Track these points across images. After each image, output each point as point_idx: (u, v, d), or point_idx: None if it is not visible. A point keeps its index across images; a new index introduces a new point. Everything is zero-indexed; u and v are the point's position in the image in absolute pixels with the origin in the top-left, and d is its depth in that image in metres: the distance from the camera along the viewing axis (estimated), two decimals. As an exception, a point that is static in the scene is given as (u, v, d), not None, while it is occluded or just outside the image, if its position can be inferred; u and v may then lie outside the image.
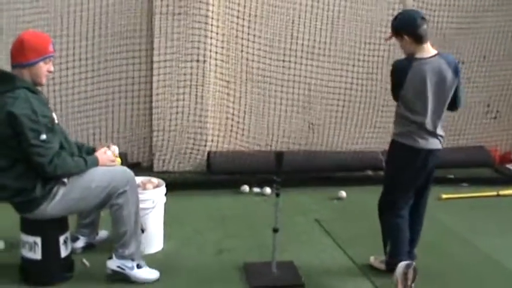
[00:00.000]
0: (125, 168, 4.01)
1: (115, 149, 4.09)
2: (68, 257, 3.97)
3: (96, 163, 3.83)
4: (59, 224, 3.89)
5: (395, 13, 6.41)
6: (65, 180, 3.71)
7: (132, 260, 3.94)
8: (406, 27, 3.90)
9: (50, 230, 3.84)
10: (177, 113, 6.09)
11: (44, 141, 3.54)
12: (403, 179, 4.09)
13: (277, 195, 4.02)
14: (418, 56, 3.89)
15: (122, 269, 3.93)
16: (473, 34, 7.19)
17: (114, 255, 3.94)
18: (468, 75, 7.09)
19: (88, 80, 6.04)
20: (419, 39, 3.88)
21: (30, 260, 3.84)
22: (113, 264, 3.94)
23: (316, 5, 6.48)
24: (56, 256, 3.87)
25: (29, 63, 3.62)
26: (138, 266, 3.96)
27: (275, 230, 4.04)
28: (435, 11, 6.72)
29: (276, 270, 4.13)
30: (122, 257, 3.92)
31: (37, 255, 3.81)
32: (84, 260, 4.17)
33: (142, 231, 4.26)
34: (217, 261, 4.42)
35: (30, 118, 3.51)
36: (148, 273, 4.01)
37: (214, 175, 6.24)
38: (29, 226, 3.82)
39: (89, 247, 4.42)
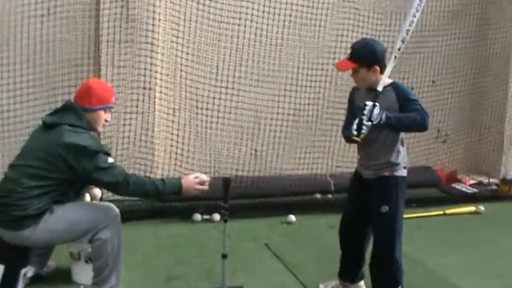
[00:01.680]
0: (110, 204, 3.99)
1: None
2: (23, 291, 3.91)
3: (178, 188, 3.87)
4: (25, 255, 3.84)
5: (340, 39, 6.75)
6: (54, 207, 3.71)
7: None
8: (383, 57, 3.75)
9: (14, 260, 3.79)
10: (123, 138, 6.07)
11: (112, 163, 3.75)
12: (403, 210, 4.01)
13: (225, 221, 4.01)
14: (383, 84, 3.74)
15: None
16: (420, 59, 7.39)
17: None
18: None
19: (36, 107, 5.97)
20: (384, 69, 3.76)
21: None
22: None
23: (259, 33, 6.57)
24: (13, 288, 3.80)
25: (91, 108, 3.81)
26: None
27: (224, 256, 4.03)
28: (379, 37, 6.84)
29: (226, 296, 4.13)
30: None
31: None
32: (33, 293, 4.10)
33: (91, 260, 4.24)
34: (167, 289, 4.39)
35: (96, 147, 3.72)
36: None
37: (164, 202, 6.19)
38: None
39: (37, 278, 4.32)
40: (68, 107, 3.85)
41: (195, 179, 3.93)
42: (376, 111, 3.57)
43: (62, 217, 3.74)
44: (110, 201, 5.74)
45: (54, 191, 3.72)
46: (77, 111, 3.80)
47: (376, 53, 3.73)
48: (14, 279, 3.78)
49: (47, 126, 3.79)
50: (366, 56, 3.75)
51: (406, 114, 3.66)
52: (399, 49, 3.69)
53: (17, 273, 3.78)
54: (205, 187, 3.97)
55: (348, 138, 3.78)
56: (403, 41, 3.67)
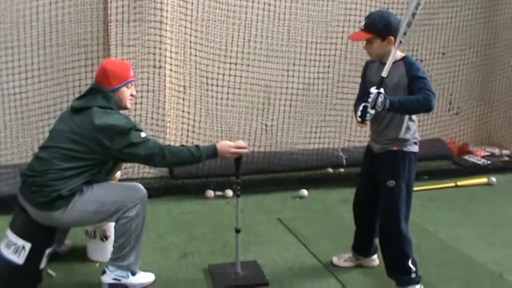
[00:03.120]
0: (137, 184, 4.02)
1: None
2: (43, 269, 3.94)
3: (213, 152, 3.90)
4: (50, 235, 3.88)
5: (348, 12, 6.72)
6: (84, 188, 3.76)
7: (129, 270, 3.92)
8: (397, 29, 3.69)
9: (42, 239, 3.81)
10: (135, 117, 6.10)
11: (145, 137, 3.79)
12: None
13: (238, 196, 4.05)
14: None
15: (117, 280, 3.91)
16: (429, 31, 7.36)
17: (107, 269, 3.92)
18: (428, 72, 7.19)
19: (47, 89, 6.01)
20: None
21: (10, 261, 3.75)
22: (108, 278, 3.91)
23: (267, 8, 6.57)
24: (36, 266, 3.82)
25: (113, 88, 3.86)
26: (133, 273, 3.94)
27: (237, 231, 4.07)
28: (388, 9, 6.80)
29: (240, 270, 4.16)
30: (119, 267, 3.90)
31: (20, 259, 3.74)
32: (50, 271, 4.12)
33: (106, 238, 4.29)
34: (182, 265, 4.43)
35: (128, 125, 3.75)
36: (144, 278, 4.03)
37: (177, 180, 6.26)
38: (24, 229, 3.78)
39: (53, 255, 4.37)
40: (95, 89, 3.87)
41: (230, 143, 3.95)
42: (381, 99, 3.56)
43: (92, 198, 3.77)
44: (123, 179, 5.85)
45: (87, 171, 3.76)
46: (104, 92, 3.83)
47: (391, 24, 3.71)
48: (39, 258, 3.82)
49: (76, 110, 3.82)
50: (380, 26, 3.73)
51: (410, 97, 3.65)
52: (405, 33, 3.65)
53: (42, 252, 3.83)
54: (244, 151, 3.98)
55: (356, 118, 3.79)
56: (408, 25, 3.64)
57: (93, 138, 3.69)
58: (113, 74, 3.87)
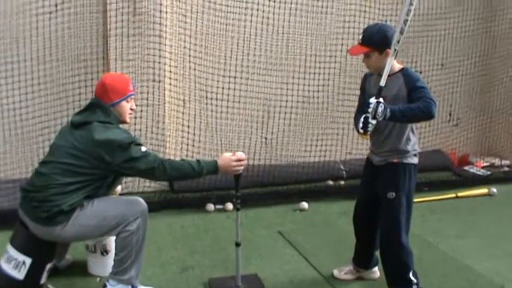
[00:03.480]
0: (138, 198, 4.02)
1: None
2: (43, 284, 3.93)
3: (214, 167, 3.89)
4: (51, 250, 3.88)
5: (347, 25, 6.74)
6: (84, 203, 3.77)
7: (129, 284, 3.92)
8: (392, 41, 3.67)
9: (42, 254, 3.82)
10: (135, 131, 6.09)
11: (145, 151, 3.79)
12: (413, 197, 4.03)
13: (238, 209, 4.05)
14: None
15: None
16: (428, 42, 7.38)
17: (108, 283, 3.92)
18: (428, 84, 7.19)
19: (47, 103, 6.01)
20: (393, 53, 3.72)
21: (10, 277, 3.76)
22: None
23: (266, 21, 6.59)
24: (37, 281, 3.83)
25: (113, 103, 3.87)
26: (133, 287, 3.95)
27: (237, 244, 4.07)
28: (387, 21, 6.82)
29: (240, 284, 4.15)
30: (120, 281, 3.89)
31: (20, 275, 3.75)
32: (50, 286, 4.12)
33: (107, 252, 4.29)
34: (182, 279, 4.42)
35: (128, 139, 3.77)
36: None
37: (177, 194, 6.25)
38: (24, 244, 3.79)
39: (54, 270, 4.36)
40: (94, 104, 3.89)
41: (231, 157, 3.93)
42: (381, 108, 3.57)
43: (92, 213, 3.78)
44: (124, 194, 5.83)
45: (88, 186, 3.77)
46: (103, 107, 3.85)
47: (388, 37, 3.71)
48: (40, 273, 3.82)
49: (76, 125, 3.83)
50: (378, 40, 3.75)
51: (411, 105, 3.65)
52: (398, 41, 3.66)
53: (43, 267, 3.83)
54: (243, 164, 3.97)
55: (358, 130, 3.79)
56: (401, 32, 3.65)
57: (94, 153, 3.70)
58: (112, 88, 3.88)
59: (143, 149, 3.79)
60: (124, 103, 3.93)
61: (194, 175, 3.88)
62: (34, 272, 3.79)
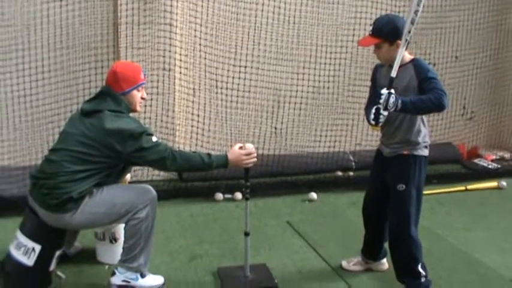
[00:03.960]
0: (147, 186, 4.04)
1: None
2: (52, 271, 3.94)
3: (224, 161, 3.90)
4: (60, 237, 3.89)
5: (358, 16, 6.71)
6: (94, 190, 3.78)
7: (138, 272, 3.94)
8: (402, 32, 3.63)
9: (52, 241, 3.83)
10: (144, 119, 6.10)
11: (156, 141, 3.80)
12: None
13: (247, 199, 4.05)
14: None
15: (127, 282, 3.93)
16: (442, 34, 7.34)
17: (117, 270, 3.93)
18: (441, 76, 7.18)
19: (57, 90, 6.02)
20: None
21: (19, 263, 3.76)
22: (118, 279, 3.93)
23: (277, 11, 6.56)
24: (46, 268, 3.83)
25: (124, 92, 3.87)
26: (142, 275, 3.95)
27: (246, 234, 4.07)
28: (399, 13, 6.78)
29: (249, 273, 4.16)
30: (128, 268, 3.91)
31: (29, 261, 3.75)
32: (59, 273, 4.13)
33: (116, 240, 4.30)
34: (191, 267, 4.43)
35: (139, 129, 3.76)
36: (153, 280, 4.03)
37: (186, 183, 6.26)
38: (34, 231, 3.80)
39: (63, 257, 4.38)
40: (105, 92, 3.88)
41: (241, 151, 3.93)
42: (392, 99, 3.55)
43: (102, 200, 3.79)
44: (133, 182, 5.84)
45: (98, 174, 3.77)
46: (114, 96, 3.85)
47: (399, 28, 3.68)
48: (49, 260, 3.83)
49: (87, 113, 3.83)
50: (388, 31, 3.73)
51: (421, 96, 3.62)
52: (409, 32, 3.63)
53: (52, 254, 3.84)
54: (254, 158, 3.97)
55: (369, 122, 3.77)
56: (412, 23, 3.61)
57: (104, 142, 3.71)
58: (123, 77, 3.88)
59: (154, 139, 3.79)
60: (135, 92, 3.92)
61: (204, 167, 3.88)
62: (43, 259, 3.80)
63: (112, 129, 3.70)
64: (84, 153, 3.73)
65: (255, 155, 3.97)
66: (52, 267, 3.87)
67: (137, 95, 3.94)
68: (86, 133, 3.75)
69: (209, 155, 3.88)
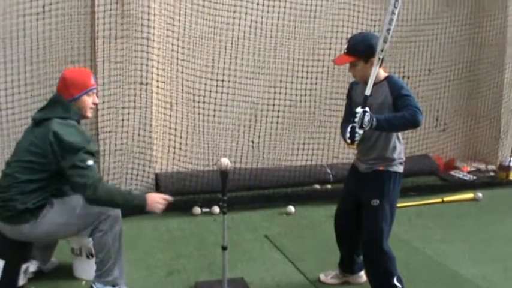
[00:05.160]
0: None
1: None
2: (23, 286, 3.91)
3: (143, 201, 3.83)
4: (25, 251, 3.87)
5: (335, 30, 6.75)
6: (53, 201, 3.76)
7: (115, 285, 3.91)
8: (375, 49, 3.66)
9: (15, 255, 3.81)
10: (122, 133, 6.08)
11: (89, 165, 3.68)
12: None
13: (224, 213, 4.04)
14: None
15: None
16: (416, 48, 7.41)
17: (95, 286, 3.91)
18: (415, 89, 7.26)
19: (34, 105, 5.94)
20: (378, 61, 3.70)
21: None
22: None
23: (254, 25, 6.58)
24: (13, 284, 3.81)
25: (73, 98, 3.82)
26: None
27: (224, 248, 4.06)
28: (375, 26, 6.85)
29: (227, 287, 4.15)
30: (105, 283, 3.89)
31: None
32: (34, 288, 4.12)
33: (92, 255, 4.26)
34: (168, 282, 4.42)
35: (80, 144, 3.68)
36: None
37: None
38: None
39: (39, 273, 4.34)
40: (55, 100, 3.87)
41: (160, 195, 3.96)
42: (367, 117, 3.57)
43: (62, 210, 3.78)
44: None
45: (50, 183, 3.76)
46: (63, 103, 3.82)
47: (373, 46, 3.71)
48: (14, 275, 3.80)
49: (38, 122, 3.82)
50: (362, 49, 3.76)
51: (396, 114, 3.65)
52: (382, 50, 3.66)
53: (18, 268, 3.81)
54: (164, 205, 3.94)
55: (345, 140, 3.79)
56: (385, 41, 3.64)
57: (49, 145, 3.67)
58: (72, 82, 3.85)
59: (89, 162, 3.70)
60: (85, 97, 3.88)
61: (123, 204, 3.82)
62: (9, 274, 3.79)
63: (57, 133, 3.67)
64: (32, 161, 3.72)
65: (168, 201, 3.95)
66: (21, 282, 3.84)
67: (87, 100, 3.90)
68: (34, 142, 3.74)
69: (130, 192, 3.93)
